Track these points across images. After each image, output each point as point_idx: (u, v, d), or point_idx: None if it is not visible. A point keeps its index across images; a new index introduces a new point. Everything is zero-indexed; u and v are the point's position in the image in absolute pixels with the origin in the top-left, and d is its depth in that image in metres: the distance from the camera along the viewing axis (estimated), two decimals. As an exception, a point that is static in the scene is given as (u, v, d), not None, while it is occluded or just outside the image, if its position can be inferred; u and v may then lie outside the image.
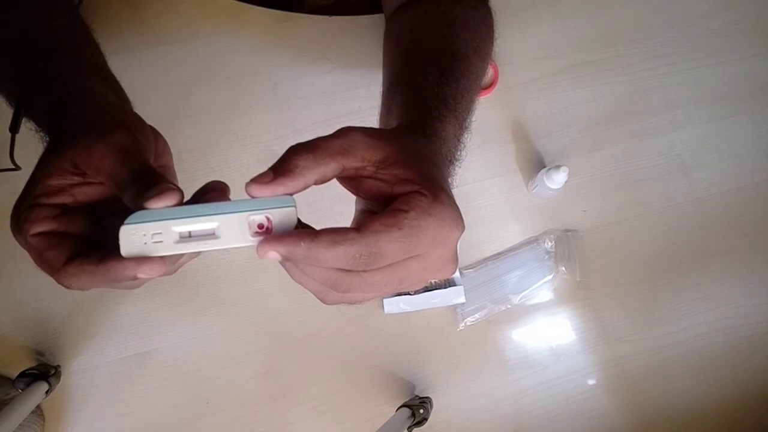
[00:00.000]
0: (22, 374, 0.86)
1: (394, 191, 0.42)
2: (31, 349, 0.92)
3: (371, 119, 0.98)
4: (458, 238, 0.43)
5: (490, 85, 1.02)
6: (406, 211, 0.39)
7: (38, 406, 0.89)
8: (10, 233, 0.45)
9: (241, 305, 0.95)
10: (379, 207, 0.43)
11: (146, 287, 0.93)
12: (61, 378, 0.91)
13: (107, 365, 0.93)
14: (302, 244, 0.37)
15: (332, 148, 0.41)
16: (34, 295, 0.93)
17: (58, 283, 0.43)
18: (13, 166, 0.60)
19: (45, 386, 0.86)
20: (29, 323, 0.92)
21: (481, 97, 1.00)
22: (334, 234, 0.38)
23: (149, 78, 0.99)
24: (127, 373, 0.93)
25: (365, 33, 1.03)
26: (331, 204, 0.96)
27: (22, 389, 0.84)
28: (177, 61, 1.00)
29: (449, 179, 0.51)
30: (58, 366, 0.90)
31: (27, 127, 0.56)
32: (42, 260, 0.44)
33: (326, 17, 1.04)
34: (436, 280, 0.96)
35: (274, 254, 0.38)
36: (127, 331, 0.94)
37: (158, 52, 1.00)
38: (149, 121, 0.52)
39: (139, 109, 0.57)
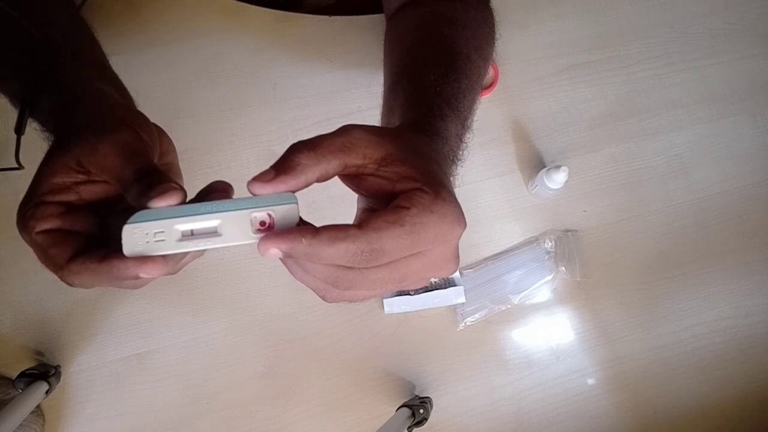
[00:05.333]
0: (22, 374, 0.86)
1: (395, 188, 0.42)
2: (31, 349, 0.92)
3: (371, 119, 0.98)
4: (460, 236, 0.43)
5: (491, 85, 1.02)
6: (408, 208, 0.39)
7: (38, 406, 0.89)
8: (10, 233, 0.45)
9: (241, 305, 0.95)
10: (381, 205, 0.43)
11: (147, 287, 0.93)
12: (61, 378, 0.91)
13: (107, 365, 0.93)
14: (304, 240, 0.37)
15: (334, 146, 0.41)
16: (34, 295, 0.93)
17: (62, 280, 0.43)
18: (15, 166, 0.60)
19: (45, 386, 0.86)
20: (29, 323, 0.92)
21: (482, 97, 1.00)
22: (336, 230, 0.38)
23: (149, 78, 0.99)
24: (127, 373, 0.93)
25: (365, 33, 1.03)
26: (332, 205, 0.96)
27: (22, 389, 0.84)
28: (177, 60, 1.00)
29: (451, 178, 0.51)
30: (58, 366, 0.90)
31: (32, 126, 0.56)
32: (46, 257, 0.44)
33: (326, 17, 1.04)
34: (438, 279, 0.96)
35: (275, 251, 0.38)
36: (127, 331, 0.93)
37: (158, 51, 1.00)
38: (150, 121, 0.52)
39: (139, 108, 0.57)
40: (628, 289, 1.00)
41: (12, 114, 0.57)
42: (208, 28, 1.02)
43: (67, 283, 0.43)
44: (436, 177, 0.43)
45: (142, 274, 0.39)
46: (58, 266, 0.43)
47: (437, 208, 0.40)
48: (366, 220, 0.39)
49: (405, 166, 0.42)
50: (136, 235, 0.39)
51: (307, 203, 0.93)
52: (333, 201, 0.96)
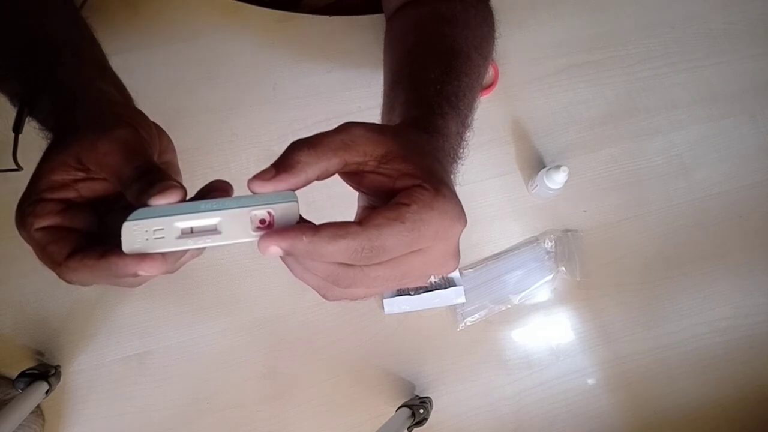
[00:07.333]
0: (22, 374, 0.86)
1: (396, 185, 0.42)
2: (31, 349, 0.91)
3: (371, 119, 0.96)
4: (460, 233, 0.43)
5: (490, 85, 1.02)
6: (408, 205, 0.39)
7: (38, 406, 0.89)
8: (10, 233, 0.45)
9: (241, 305, 0.95)
10: (382, 202, 0.42)
11: (147, 287, 0.93)
12: (61, 378, 0.90)
13: (107, 365, 0.92)
14: (304, 238, 0.37)
15: (334, 144, 0.41)
16: (34, 295, 0.93)
17: (60, 277, 0.43)
18: (15, 167, 0.60)
19: (45, 386, 0.85)
20: (29, 323, 0.92)
21: (482, 97, 1.00)
22: (336, 228, 0.38)
23: (149, 77, 0.99)
24: (127, 373, 0.92)
25: (365, 33, 1.03)
26: (332, 204, 0.96)
27: (22, 389, 0.84)
28: (176, 60, 1.00)
29: (452, 176, 0.51)
30: (58, 366, 0.90)
31: (31, 126, 0.56)
32: (44, 254, 0.44)
33: (326, 17, 1.04)
34: (438, 277, 0.96)
35: (275, 249, 0.38)
36: (127, 331, 0.93)
37: (158, 51, 1.00)
38: (149, 121, 0.52)
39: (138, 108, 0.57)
40: (628, 289, 1.00)
41: (12, 114, 0.57)
42: (208, 28, 1.02)
43: (66, 280, 0.43)
44: (437, 174, 0.43)
45: (140, 272, 0.39)
46: (56, 263, 0.43)
47: (438, 205, 0.40)
48: (366, 217, 0.39)
49: (405, 163, 0.42)
50: (135, 232, 0.39)
51: (307, 203, 0.93)
52: (333, 200, 0.96)
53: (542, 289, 0.98)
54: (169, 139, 0.55)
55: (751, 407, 0.99)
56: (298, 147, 0.41)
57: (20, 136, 0.57)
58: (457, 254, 0.44)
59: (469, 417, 0.95)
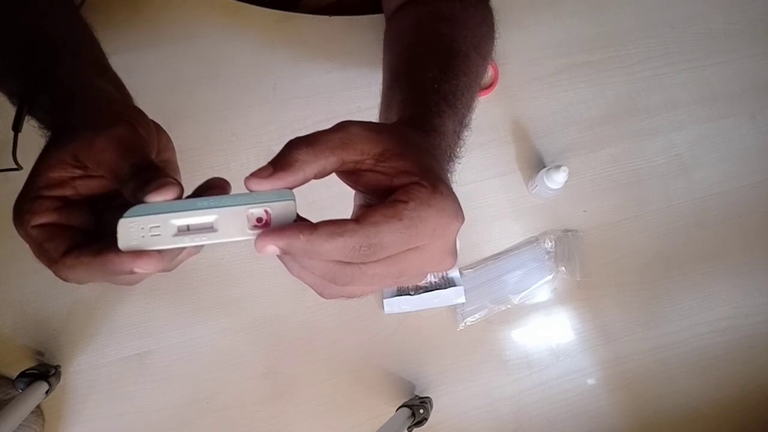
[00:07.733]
0: (22, 374, 0.86)
1: (393, 183, 0.42)
2: (31, 349, 0.91)
3: (371, 119, 0.95)
4: (458, 230, 0.43)
5: (490, 85, 1.02)
6: (405, 202, 0.39)
7: (38, 406, 0.89)
8: (9, 233, 0.45)
9: (241, 305, 0.95)
10: (379, 200, 0.42)
11: (146, 286, 0.94)
12: (61, 378, 0.91)
13: (107, 365, 0.92)
14: (301, 236, 0.37)
15: (331, 142, 0.41)
16: (34, 295, 0.93)
17: (56, 275, 0.43)
18: (15, 166, 0.60)
19: (45, 386, 0.85)
20: (29, 323, 0.92)
21: (481, 97, 1.00)
22: (334, 226, 0.38)
23: (148, 78, 0.99)
24: (127, 373, 0.92)
25: (365, 33, 1.03)
26: (332, 203, 0.96)
27: (22, 389, 0.84)
28: (176, 60, 1.00)
29: (449, 174, 0.51)
30: (58, 366, 0.90)
31: (30, 124, 0.56)
32: (41, 252, 0.44)
33: (326, 17, 1.04)
34: (437, 276, 0.96)
35: (272, 248, 0.38)
36: (127, 331, 0.93)
37: (158, 51, 1.00)
38: (149, 120, 0.52)
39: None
40: (628, 289, 1.00)
41: (11, 113, 0.57)
42: (208, 28, 1.02)
43: (62, 278, 0.43)
44: (434, 171, 0.43)
45: (136, 269, 0.39)
46: (52, 260, 0.43)
47: (435, 202, 0.40)
48: (364, 214, 0.39)
49: (402, 160, 0.42)
50: (131, 230, 0.39)
51: (306, 202, 0.93)
52: (333, 200, 0.96)
53: (542, 289, 0.98)
54: (168, 137, 0.55)
55: (751, 407, 0.98)
56: (295, 145, 0.41)
57: (20, 134, 0.57)
58: (455, 252, 0.44)
59: (469, 417, 0.95)
